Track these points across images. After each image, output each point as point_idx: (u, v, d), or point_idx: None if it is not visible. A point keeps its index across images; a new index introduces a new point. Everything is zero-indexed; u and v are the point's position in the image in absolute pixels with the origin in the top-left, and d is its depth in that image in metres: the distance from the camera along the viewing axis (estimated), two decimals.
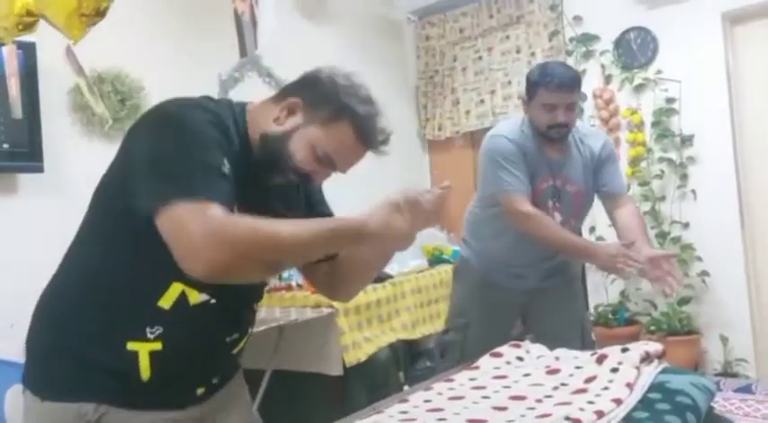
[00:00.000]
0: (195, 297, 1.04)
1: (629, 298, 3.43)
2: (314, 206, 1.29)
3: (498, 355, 1.79)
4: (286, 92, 1.17)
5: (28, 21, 1.08)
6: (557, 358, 1.73)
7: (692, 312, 3.24)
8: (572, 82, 2.01)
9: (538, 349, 1.86)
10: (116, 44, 2.50)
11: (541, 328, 2.32)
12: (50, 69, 2.28)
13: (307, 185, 1.22)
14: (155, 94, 2.66)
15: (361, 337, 2.72)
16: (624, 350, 1.61)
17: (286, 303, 2.75)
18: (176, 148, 0.95)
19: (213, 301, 1.06)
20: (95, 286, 1.05)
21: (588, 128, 2.33)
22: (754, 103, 3.26)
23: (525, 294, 2.28)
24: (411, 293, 3.09)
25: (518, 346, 1.87)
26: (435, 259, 3.55)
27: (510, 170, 2.05)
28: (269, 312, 2.62)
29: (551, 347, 1.92)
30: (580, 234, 2.39)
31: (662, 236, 3.31)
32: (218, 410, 1.19)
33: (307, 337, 2.66)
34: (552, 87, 1.98)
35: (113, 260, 1.04)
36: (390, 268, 3.17)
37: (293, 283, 2.96)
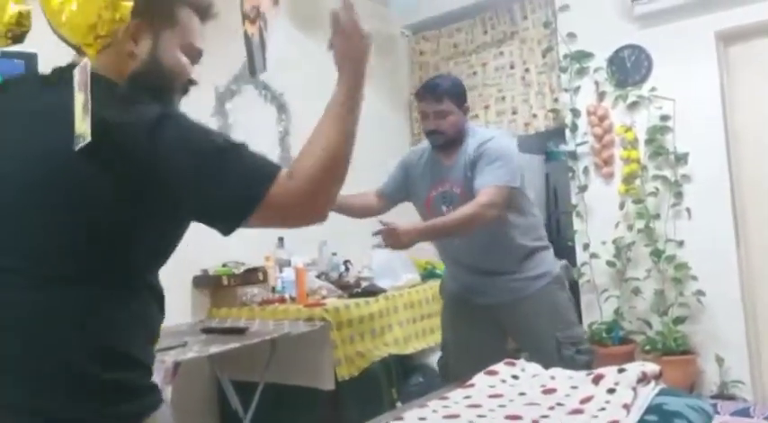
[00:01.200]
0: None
1: (623, 316, 3.41)
2: None
3: (493, 372, 1.78)
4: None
5: (17, 31, 1.06)
6: (552, 377, 1.72)
7: (687, 332, 3.22)
8: (432, 90, 2.23)
9: (533, 368, 1.85)
10: None
11: (517, 344, 2.42)
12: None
13: None
14: None
15: (353, 351, 2.69)
16: (621, 370, 1.60)
17: (279, 316, 2.72)
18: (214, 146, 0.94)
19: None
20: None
21: (485, 131, 2.35)
22: (748, 122, 3.28)
23: (493, 310, 2.31)
24: (404, 308, 3.07)
25: (513, 364, 1.86)
26: (428, 274, 3.54)
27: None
28: (262, 325, 2.59)
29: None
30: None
31: (656, 254, 3.31)
32: None
33: (299, 350, 2.63)
34: (418, 97, 2.30)
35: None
36: (383, 283, 3.15)
37: (287, 296, 2.94)
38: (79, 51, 1.03)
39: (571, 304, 2.39)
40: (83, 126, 0.89)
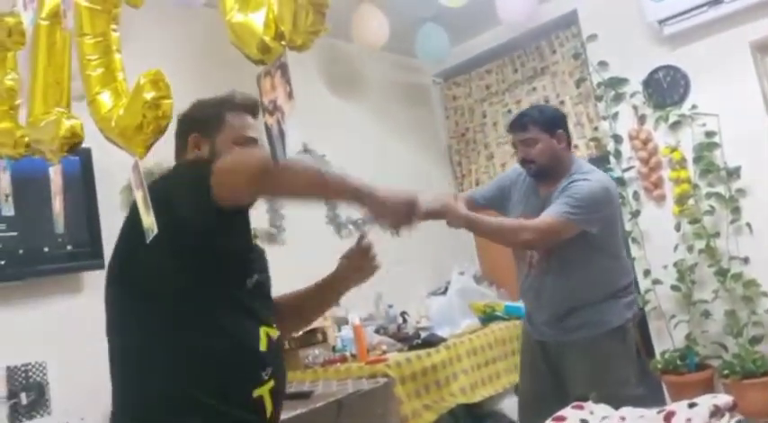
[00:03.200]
0: (274, 333, 1.26)
1: (696, 341, 3.27)
2: None
3: (561, 418, 1.74)
4: (183, 134, 1.39)
5: (73, 142, 1.17)
6: (622, 418, 1.67)
7: (766, 352, 3.07)
8: (518, 119, 2.26)
9: (602, 410, 1.80)
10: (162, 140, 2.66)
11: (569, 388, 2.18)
12: (106, 171, 2.47)
13: None
14: None
15: (420, 405, 2.68)
16: (692, 405, 1.54)
17: (342, 376, 2.75)
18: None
19: (278, 332, 1.28)
20: (204, 362, 1.16)
21: (588, 169, 2.24)
22: None
23: (551, 348, 2.24)
24: (467, 355, 3.03)
25: (581, 408, 1.81)
26: (488, 317, 3.50)
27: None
28: (326, 386, 2.62)
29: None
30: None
31: (721, 273, 3.19)
32: None
33: (366, 408, 2.62)
34: (509, 129, 2.34)
35: (215, 332, 1.17)
36: (442, 331, 3.14)
37: (347, 354, 2.96)
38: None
39: (629, 357, 2.20)
40: (148, 220, 0.97)
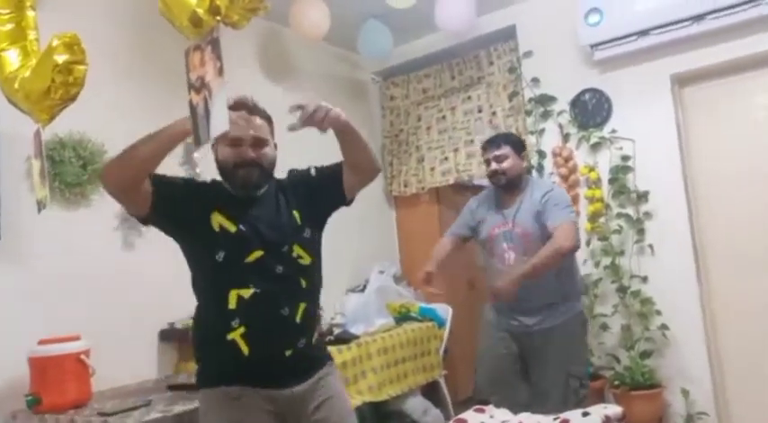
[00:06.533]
0: (246, 292, 1.55)
1: (593, 352, 3.45)
2: (323, 174, 1.77)
3: (462, 421, 1.79)
4: None
5: None
6: None
7: (653, 366, 3.28)
8: (492, 139, 2.75)
9: (502, 414, 1.86)
10: (79, 109, 2.49)
11: (530, 370, 2.60)
12: (11, 137, 2.29)
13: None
14: None
15: None
16: (585, 414, 1.62)
17: None
18: None
19: (258, 290, 1.56)
20: (203, 309, 1.66)
21: (545, 181, 2.81)
22: (705, 161, 3.41)
23: (521, 338, 2.59)
24: (377, 354, 3.05)
25: (482, 411, 1.87)
26: (402, 317, 3.54)
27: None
28: None
29: (535, 398, 2.36)
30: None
31: (622, 290, 3.38)
32: (319, 407, 1.63)
33: None
34: (483, 148, 2.76)
35: (202, 286, 1.64)
36: (356, 329, 3.15)
37: None
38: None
39: (586, 345, 2.72)
40: (41, 192, 0.91)
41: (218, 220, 1.59)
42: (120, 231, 2.73)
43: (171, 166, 2.91)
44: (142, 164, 1.43)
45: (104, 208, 2.65)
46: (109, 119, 2.70)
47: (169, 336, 2.80)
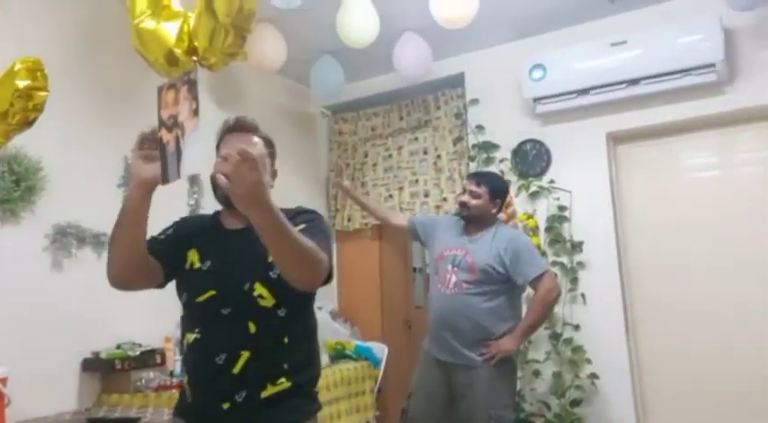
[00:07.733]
0: (191, 337, 1.49)
1: (524, 398, 3.50)
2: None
3: None
4: None
5: None
6: None
7: (582, 414, 3.35)
8: (478, 174, 2.97)
9: None
10: None
11: (455, 404, 2.66)
12: None
13: None
14: (54, 175, 2.54)
15: None
16: None
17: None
18: None
19: (199, 335, 1.48)
20: None
21: (510, 229, 2.92)
22: (636, 215, 3.60)
23: (450, 370, 2.65)
24: None
25: None
26: (338, 354, 3.49)
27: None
28: (156, 414, 2.40)
29: None
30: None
31: (555, 337, 3.46)
32: None
33: None
34: (468, 177, 2.95)
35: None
36: None
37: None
38: None
39: (513, 388, 2.75)
40: None
41: (191, 257, 1.53)
42: (50, 252, 2.58)
43: (110, 189, 2.80)
44: (130, 246, 1.37)
45: (35, 226, 2.50)
46: (47, 135, 2.57)
47: (92, 366, 2.63)
